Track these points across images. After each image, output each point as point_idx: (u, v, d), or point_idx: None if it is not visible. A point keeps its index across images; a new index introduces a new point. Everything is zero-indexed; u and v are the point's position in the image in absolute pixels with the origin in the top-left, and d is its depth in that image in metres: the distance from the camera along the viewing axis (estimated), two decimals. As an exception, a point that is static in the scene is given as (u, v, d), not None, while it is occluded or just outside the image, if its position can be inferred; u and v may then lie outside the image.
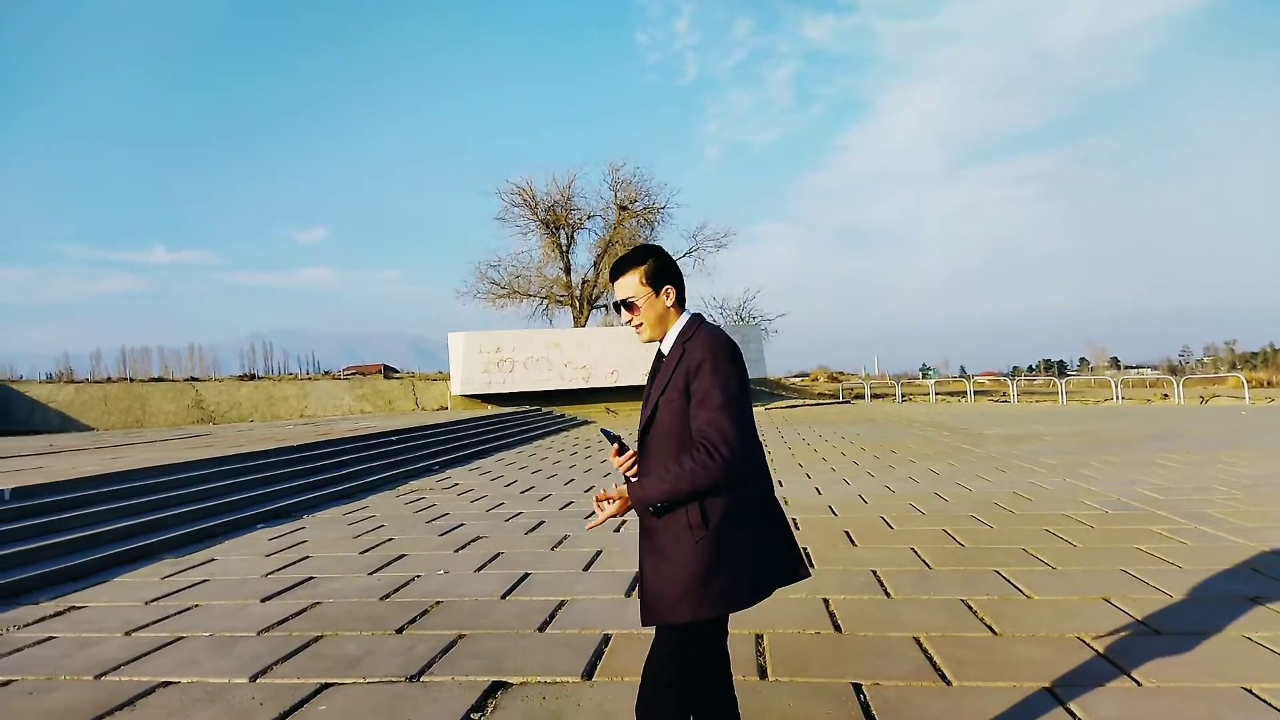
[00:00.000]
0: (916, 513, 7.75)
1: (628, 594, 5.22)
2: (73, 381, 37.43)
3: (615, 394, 28.62)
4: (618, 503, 2.28)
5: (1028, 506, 7.85)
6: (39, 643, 4.68)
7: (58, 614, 5.27)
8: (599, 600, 5.12)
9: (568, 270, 37.57)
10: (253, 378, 38.62)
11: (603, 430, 2.52)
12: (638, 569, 2.49)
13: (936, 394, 34.37)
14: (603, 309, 38.40)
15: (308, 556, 6.70)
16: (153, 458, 10.20)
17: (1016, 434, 15.93)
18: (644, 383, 2.67)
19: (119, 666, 4.21)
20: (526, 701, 3.58)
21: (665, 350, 2.43)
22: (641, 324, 2.42)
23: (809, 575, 2.48)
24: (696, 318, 2.41)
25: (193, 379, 38.10)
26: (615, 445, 2.43)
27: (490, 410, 24.50)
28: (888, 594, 5.04)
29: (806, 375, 50.39)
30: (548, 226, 37.09)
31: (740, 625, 4.48)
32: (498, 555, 6.50)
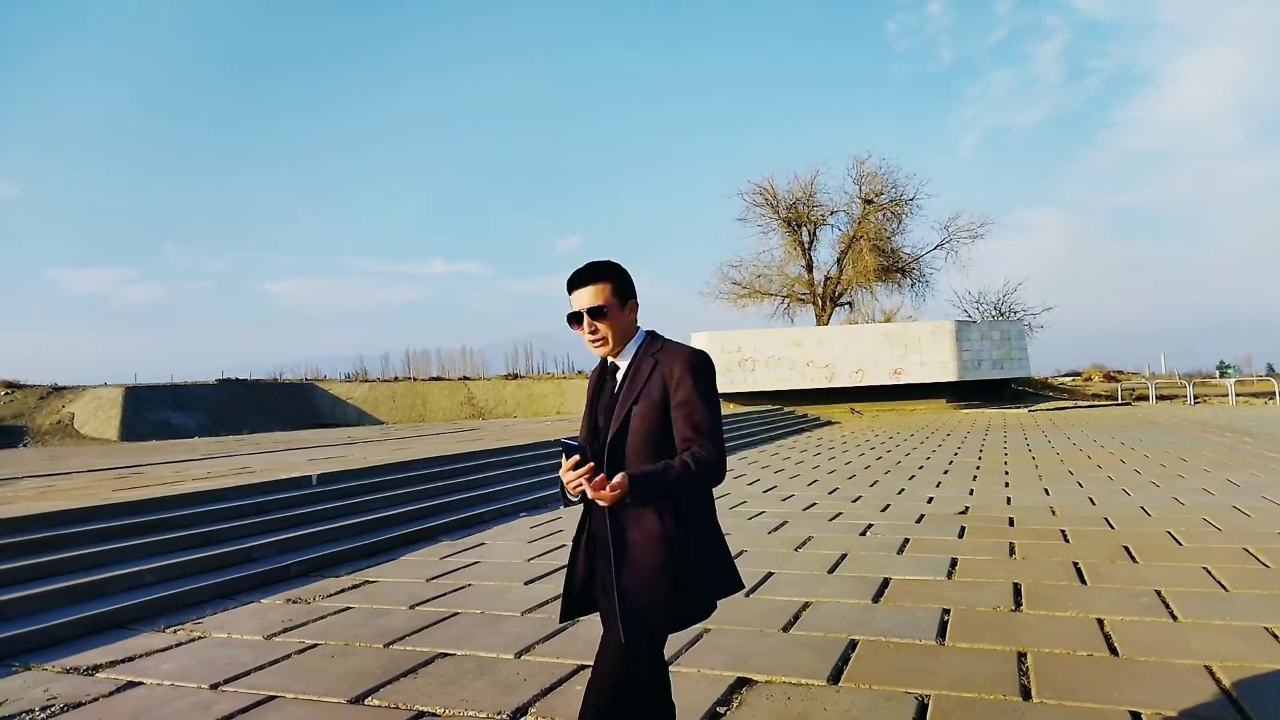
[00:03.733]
0: (1211, 528, 6.87)
1: (875, 600, 5.07)
2: (366, 380, 42.43)
3: (859, 394, 27.84)
4: (612, 491, 2.12)
5: (1357, 527, 6.71)
6: (339, 612, 5.35)
7: (354, 587, 6.00)
8: (844, 604, 5.02)
9: (809, 268, 36.97)
10: (516, 377, 41.73)
11: (563, 441, 2.24)
12: (593, 575, 2.43)
13: (1237, 395, 30.21)
14: (846, 305, 37.38)
15: (563, 545, 7.12)
16: (433, 449, 11.33)
17: (1343, 441, 13.64)
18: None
19: (404, 637, 4.71)
20: (772, 700, 3.59)
21: (622, 364, 2.43)
22: (605, 336, 2.38)
23: (744, 586, 2.49)
24: (654, 334, 2.47)
25: (465, 378, 41.86)
26: (574, 457, 2.20)
27: (732, 409, 24.71)
28: (1174, 616, 4.52)
29: (1079, 374, 46.06)
30: (789, 225, 36.67)
31: (1000, 642, 4.22)
32: (741, 553, 6.55)
